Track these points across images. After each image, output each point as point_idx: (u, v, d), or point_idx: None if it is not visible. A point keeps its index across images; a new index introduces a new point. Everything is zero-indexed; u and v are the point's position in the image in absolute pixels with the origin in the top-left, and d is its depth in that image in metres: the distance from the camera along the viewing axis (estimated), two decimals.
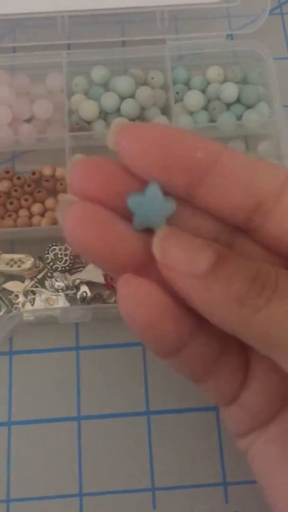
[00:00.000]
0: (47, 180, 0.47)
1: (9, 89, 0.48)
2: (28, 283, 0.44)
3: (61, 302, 0.43)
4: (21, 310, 0.43)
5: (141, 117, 0.48)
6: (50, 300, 0.43)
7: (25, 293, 0.43)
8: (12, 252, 0.45)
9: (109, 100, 0.47)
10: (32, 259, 0.43)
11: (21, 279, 0.44)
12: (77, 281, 0.44)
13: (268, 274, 0.19)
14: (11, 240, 0.46)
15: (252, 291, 0.19)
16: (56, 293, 0.43)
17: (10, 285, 0.44)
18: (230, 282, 0.19)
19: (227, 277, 0.19)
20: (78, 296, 0.43)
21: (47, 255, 0.44)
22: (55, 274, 0.44)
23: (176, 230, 0.20)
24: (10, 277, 0.45)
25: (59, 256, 0.44)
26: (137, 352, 0.43)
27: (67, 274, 0.44)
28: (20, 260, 0.44)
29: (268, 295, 0.19)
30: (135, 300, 0.20)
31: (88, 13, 0.50)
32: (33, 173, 0.47)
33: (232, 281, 0.19)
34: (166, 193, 0.20)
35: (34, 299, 0.43)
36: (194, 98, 0.48)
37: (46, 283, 0.44)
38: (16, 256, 0.44)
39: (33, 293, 0.44)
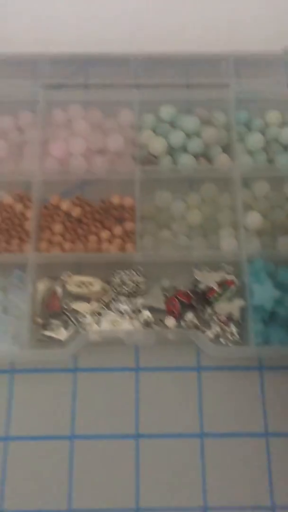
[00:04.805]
0: (115, 209, 0.50)
1: (84, 123, 0.52)
2: (94, 305, 0.47)
3: (125, 324, 0.46)
4: (88, 330, 0.45)
5: (204, 154, 0.51)
6: (116, 322, 0.46)
7: (92, 314, 0.46)
8: (79, 274, 0.48)
9: (176, 137, 0.51)
10: (101, 282, 0.46)
11: (86, 300, 0.47)
12: (140, 306, 0.47)
13: None
14: (78, 263, 0.49)
15: None
16: (121, 316, 0.46)
17: (76, 306, 0.47)
18: None
19: None
20: (141, 320, 0.46)
21: (113, 279, 0.47)
22: (120, 297, 0.47)
23: None
24: (76, 298, 0.47)
25: (125, 281, 0.47)
26: (193, 376, 0.46)
27: (131, 298, 0.47)
28: (89, 282, 0.46)
29: None
30: None
31: (159, 56, 0.53)
32: (102, 201, 0.50)
33: None
34: None
35: (100, 320, 0.46)
36: (254, 139, 0.51)
37: (112, 305, 0.47)
38: (85, 278, 0.47)
39: (100, 314, 0.46)
